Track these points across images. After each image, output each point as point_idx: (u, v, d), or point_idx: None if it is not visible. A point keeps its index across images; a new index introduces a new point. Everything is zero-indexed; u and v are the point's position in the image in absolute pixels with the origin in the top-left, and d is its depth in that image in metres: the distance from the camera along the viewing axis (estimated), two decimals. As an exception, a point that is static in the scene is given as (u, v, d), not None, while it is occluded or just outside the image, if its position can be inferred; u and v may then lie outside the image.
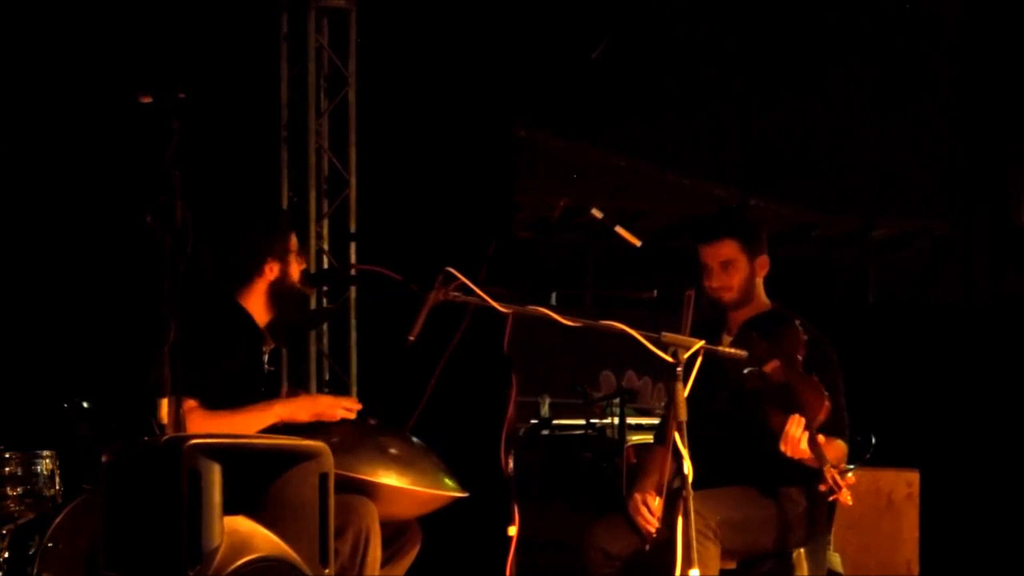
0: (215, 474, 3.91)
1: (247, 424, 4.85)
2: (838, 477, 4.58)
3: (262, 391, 5.24)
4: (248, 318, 5.05)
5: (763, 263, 5.10)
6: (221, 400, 4.87)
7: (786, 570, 5.04)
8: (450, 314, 4.82)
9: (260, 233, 5.10)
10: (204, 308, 4.94)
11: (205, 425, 4.70)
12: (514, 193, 8.88)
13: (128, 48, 7.23)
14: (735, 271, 5.02)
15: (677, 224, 9.50)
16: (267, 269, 5.04)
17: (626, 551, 4.96)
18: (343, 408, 5.02)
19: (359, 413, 5.07)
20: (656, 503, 4.83)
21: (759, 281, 5.12)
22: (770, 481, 4.98)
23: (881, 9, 9.32)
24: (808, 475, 5.06)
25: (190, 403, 4.73)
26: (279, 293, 5.07)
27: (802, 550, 5.07)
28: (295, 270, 5.11)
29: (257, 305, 5.06)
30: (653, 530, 4.85)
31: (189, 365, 4.69)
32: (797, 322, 4.96)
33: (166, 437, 4.04)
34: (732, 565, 4.98)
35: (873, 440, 6.13)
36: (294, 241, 5.15)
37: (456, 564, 6.86)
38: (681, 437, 4.30)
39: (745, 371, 4.73)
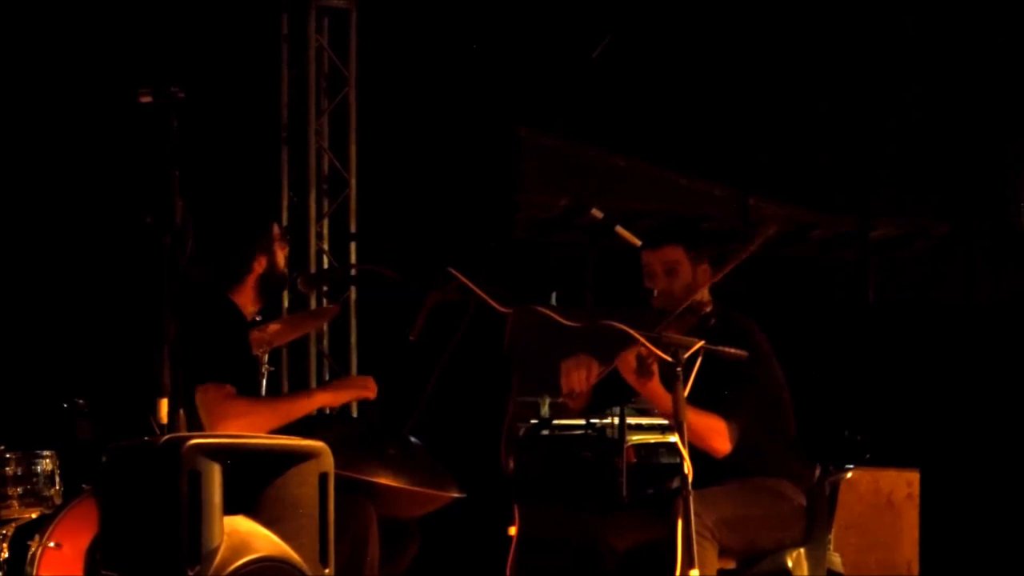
0: (215, 474, 3.91)
1: (291, 411, 4.84)
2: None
3: (261, 388, 5.25)
4: (240, 313, 5.05)
5: (706, 272, 5.13)
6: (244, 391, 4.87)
7: (785, 570, 5.04)
8: (450, 314, 4.82)
9: (246, 232, 5.10)
10: (209, 303, 4.95)
11: (249, 411, 4.71)
12: (514, 193, 8.88)
13: (128, 48, 7.24)
14: (678, 277, 5.05)
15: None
16: (256, 264, 5.06)
17: (632, 549, 4.97)
18: (374, 385, 5.04)
19: (362, 413, 5.08)
20: (594, 372, 4.89)
21: (704, 290, 5.13)
22: (755, 474, 4.99)
23: (881, 8, 9.31)
24: (801, 471, 5.10)
25: (227, 388, 4.73)
26: (267, 283, 5.08)
27: (802, 550, 5.07)
28: (280, 257, 5.12)
29: (246, 299, 5.07)
30: (576, 392, 4.91)
31: (215, 353, 4.70)
32: (709, 314, 5.01)
33: (166, 437, 4.04)
34: (731, 565, 4.98)
35: (858, 438, 6.15)
36: (276, 229, 5.16)
37: (456, 564, 6.86)
38: (681, 437, 4.31)
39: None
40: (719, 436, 4.88)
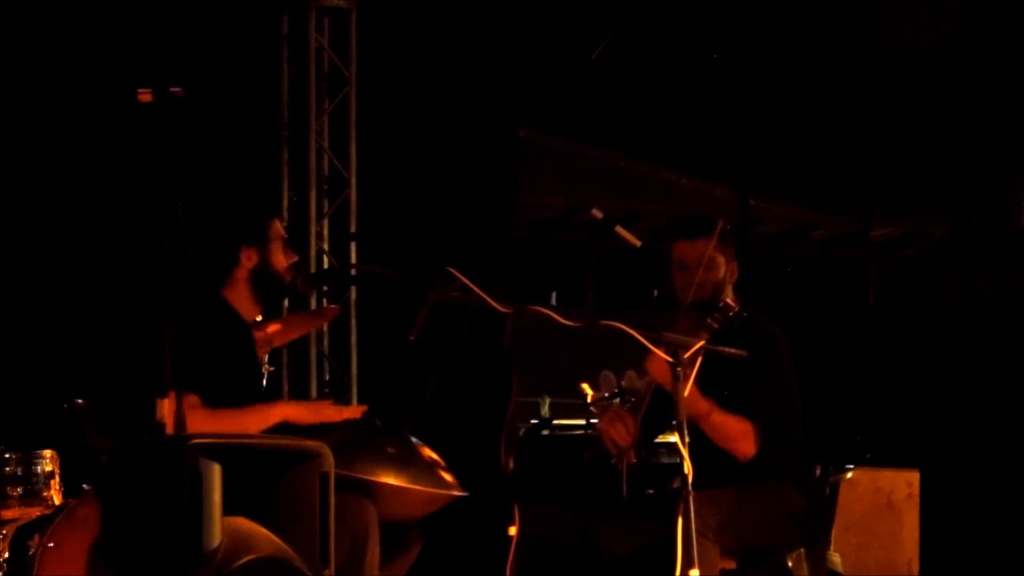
0: (215, 474, 3.91)
1: (249, 423, 4.84)
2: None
3: (261, 387, 5.24)
4: (233, 313, 5.03)
5: (735, 269, 5.15)
6: (222, 398, 4.86)
7: (786, 570, 5.04)
8: (450, 314, 4.82)
9: (232, 221, 5.07)
10: (192, 305, 4.93)
11: (207, 423, 4.70)
12: (514, 193, 8.88)
13: (129, 47, 7.24)
14: (712, 272, 5.06)
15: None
16: (244, 257, 5.00)
17: (630, 551, 4.97)
18: (348, 414, 5.02)
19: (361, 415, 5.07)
20: (630, 422, 4.94)
21: (729, 288, 5.14)
22: (766, 479, 4.99)
23: (881, 8, 9.31)
24: (805, 474, 5.10)
25: (191, 399, 4.72)
26: (261, 282, 5.03)
27: (802, 550, 5.07)
28: (278, 259, 5.05)
29: (241, 297, 5.03)
30: (623, 446, 4.98)
31: (186, 362, 4.68)
32: (729, 310, 5.02)
33: (166, 437, 4.03)
34: (732, 565, 4.98)
35: (858, 438, 6.16)
36: (277, 229, 5.09)
37: (456, 564, 6.86)
38: (681, 437, 4.31)
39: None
40: (746, 439, 4.90)
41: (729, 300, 5.09)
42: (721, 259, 5.11)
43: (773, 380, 4.97)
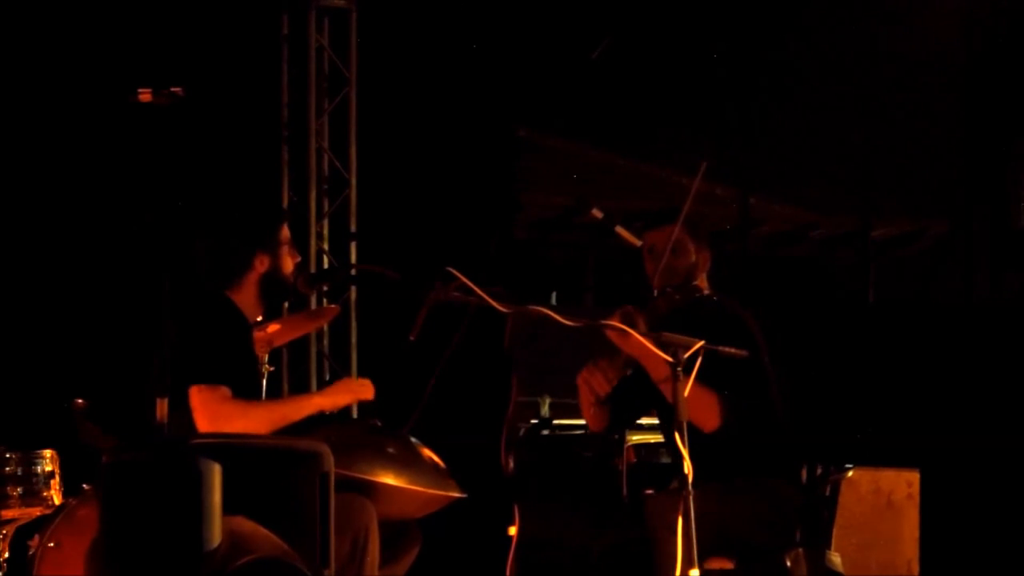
0: (215, 474, 3.91)
1: (287, 415, 4.85)
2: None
3: (261, 388, 5.25)
4: (240, 314, 5.04)
5: (707, 258, 5.18)
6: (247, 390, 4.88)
7: (784, 570, 5.04)
8: (450, 314, 4.82)
9: (249, 226, 5.09)
10: (205, 303, 4.95)
11: (243, 413, 4.71)
12: (514, 193, 8.88)
13: (128, 47, 7.24)
14: (681, 257, 5.09)
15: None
16: (257, 262, 5.03)
17: (626, 555, 4.97)
18: (370, 388, 5.05)
19: (361, 414, 5.08)
20: (611, 373, 4.94)
21: (702, 275, 5.17)
22: (761, 476, 4.99)
23: (881, 9, 9.31)
24: (796, 468, 5.11)
25: (222, 391, 4.73)
26: (270, 286, 5.06)
27: (801, 550, 5.07)
28: (287, 263, 5.09)
29: (247, 299, 5.05)
30: (603, 394, 4.99)
31: (209, 354, 4.71)
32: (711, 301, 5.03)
33: (166, 437, 4.03)
34: (730, 565, 4.98)
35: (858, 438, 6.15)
36: (286, 233, 5.13)
37: (456, 564, 6.86)
38: (682, 437, 4.30)
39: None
40: (711, 409, 4.86)
41: (700, 284, 5.12)
42: (691, 246, 5.15)
43: (742, 360, 4.94)
